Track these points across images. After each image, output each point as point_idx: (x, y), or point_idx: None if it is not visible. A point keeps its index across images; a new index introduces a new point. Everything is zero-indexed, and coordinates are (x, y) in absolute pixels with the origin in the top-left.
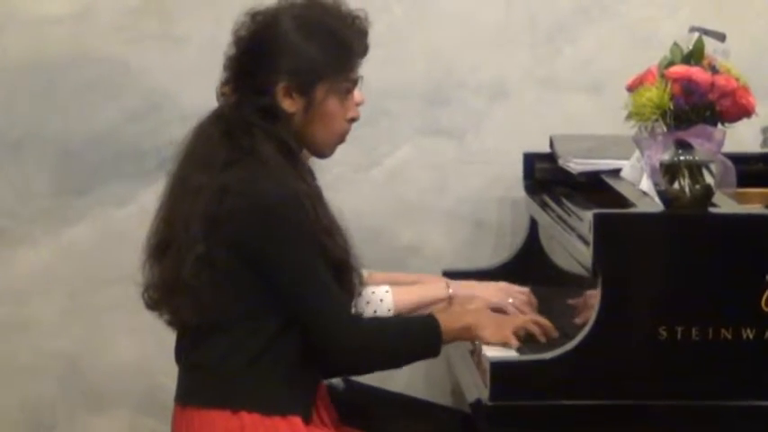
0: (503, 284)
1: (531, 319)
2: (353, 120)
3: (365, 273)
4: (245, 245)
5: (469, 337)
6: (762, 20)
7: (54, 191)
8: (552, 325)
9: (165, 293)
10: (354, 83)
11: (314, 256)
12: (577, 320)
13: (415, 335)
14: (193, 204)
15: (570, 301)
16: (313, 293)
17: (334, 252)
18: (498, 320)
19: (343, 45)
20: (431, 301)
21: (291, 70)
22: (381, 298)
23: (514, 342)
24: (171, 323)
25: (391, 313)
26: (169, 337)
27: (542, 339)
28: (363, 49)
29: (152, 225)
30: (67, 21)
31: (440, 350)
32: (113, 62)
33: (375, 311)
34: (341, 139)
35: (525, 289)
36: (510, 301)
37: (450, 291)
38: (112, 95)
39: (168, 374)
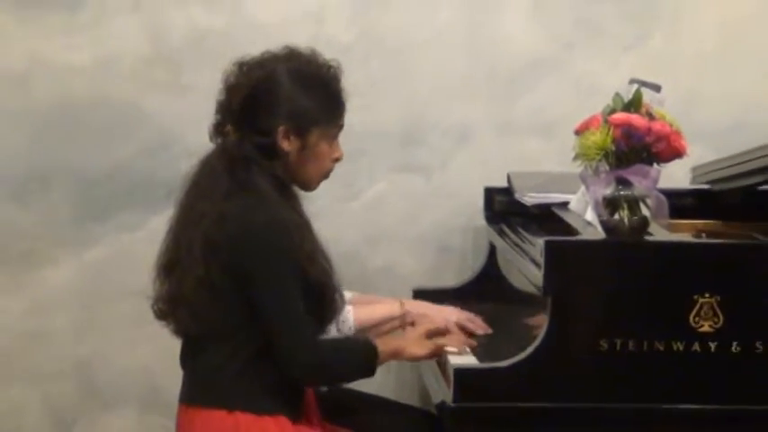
0: (452, 308)
1: (452, 338)
2: (338, 160)
3: (347, 294)
4: (237, 267)
5: (402, 357)
6: (692, 72)
7: (76, 217)
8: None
9: (171, 306)
10: (341, 129)
11: (291, 284)
12: (530, 332)
13: (359, 358)
14: (196, 230)
15: (523, 317)
16: (282, 317)
17: (316, 275)
18: (421, 340)
19: (335, 97)
20: (386, 318)
21: (291, 116)
22: (344, 319)
23: (438, 349)
24: (175, 332)
25: (352, 329)
26: (168, 346)
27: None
28: (345, 97)
29: (161, 246)
30: (89, 70)
31: (375, 371)
32: (129, 106)
33: (339, 328)
34: (326, 176)
35: (471, 314)
36: (454, 318)
37: (406, 308)
38: (127, 135)
39: (167, 377)
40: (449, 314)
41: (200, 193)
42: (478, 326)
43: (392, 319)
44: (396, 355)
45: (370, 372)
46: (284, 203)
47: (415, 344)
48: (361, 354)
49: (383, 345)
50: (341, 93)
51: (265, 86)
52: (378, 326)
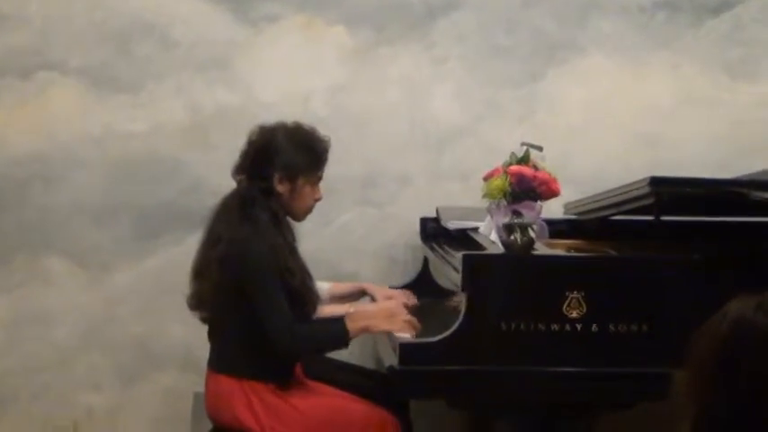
0: (399, 292)
1: (406, 319)
2: (318, 200)
3: (327, 284)
4: (238, 275)
5: (370, 332)
6: (564, 138)
7: (135, 237)
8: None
9: (198, 301)
10: (320, 178)
11: (274, 289)
12: (452, 317)
13: (330, 338)
14: (214, 249)
15: (447, 305)
16: (267, 308)
17: (296, 284)
18: (387, 317)
19: (317, 155)
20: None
21: (284, 167)
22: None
23: (401, 327)
24: (202, 320)
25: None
26: (200, 327)
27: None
28: (326, 158)
29: (194, 258)
30: (145, 134)
31: (348, 344)
32: (172, 159)
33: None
34: (309, 211)
35: (408, 292)
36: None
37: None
38: (171, 179)
39: (200, 348)
40: (397, 296)
41: (219, 221)
42: (410, 300)
43: (359, 290)
44: (365, 330)
45: (343, 345)
46: (276, 231)
47: (381, 321)
48: (333, 334)
49: (353, 323)
50: (323, 154)
51: (269, 144)
52: (347, 296)
